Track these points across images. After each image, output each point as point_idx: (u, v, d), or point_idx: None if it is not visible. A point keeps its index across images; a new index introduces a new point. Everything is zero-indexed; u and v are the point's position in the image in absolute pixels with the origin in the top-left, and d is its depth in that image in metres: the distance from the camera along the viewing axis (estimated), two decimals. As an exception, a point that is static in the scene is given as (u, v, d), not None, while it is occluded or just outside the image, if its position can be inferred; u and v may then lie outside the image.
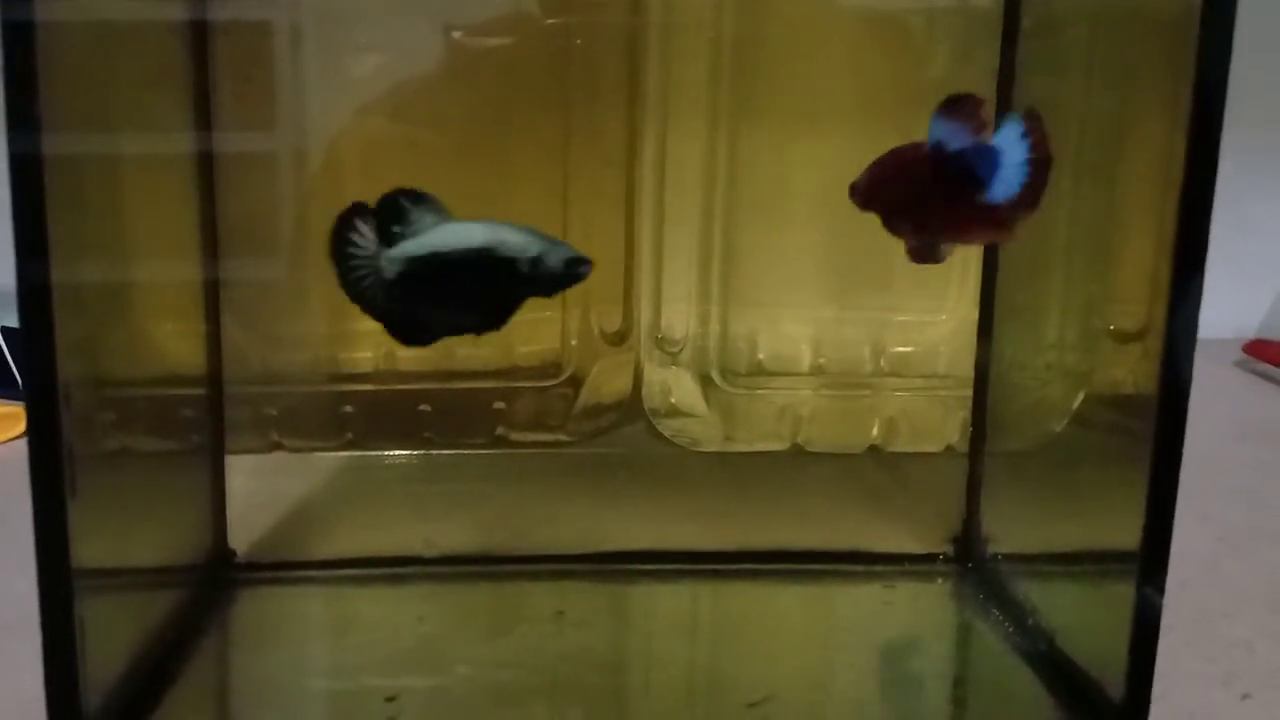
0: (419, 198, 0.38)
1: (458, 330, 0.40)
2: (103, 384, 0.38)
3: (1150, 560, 0.35)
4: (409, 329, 0.39)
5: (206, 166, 0.48)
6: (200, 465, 0.49)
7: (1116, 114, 0.43)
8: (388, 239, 0.38)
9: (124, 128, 0.41)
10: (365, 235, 0.38)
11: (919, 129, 0.60)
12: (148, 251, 0.44)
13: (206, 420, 0.49)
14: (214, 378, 0.49)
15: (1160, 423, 0.34)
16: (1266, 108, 0.94)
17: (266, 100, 0.54)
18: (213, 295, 0.49)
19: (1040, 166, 0.39)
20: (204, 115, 0.48)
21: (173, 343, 0.48)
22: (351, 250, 0.38)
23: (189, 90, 0.47)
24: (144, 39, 0.44)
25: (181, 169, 0.47)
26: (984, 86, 0.49)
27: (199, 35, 0.47)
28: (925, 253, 0.41)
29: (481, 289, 0.38)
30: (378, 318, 0.39)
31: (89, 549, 0.34)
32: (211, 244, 0.48)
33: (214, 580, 0.48)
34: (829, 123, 0.58)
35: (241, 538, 0.51)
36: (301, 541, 0.52)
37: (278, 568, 0.50)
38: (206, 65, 0.47)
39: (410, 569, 0.49)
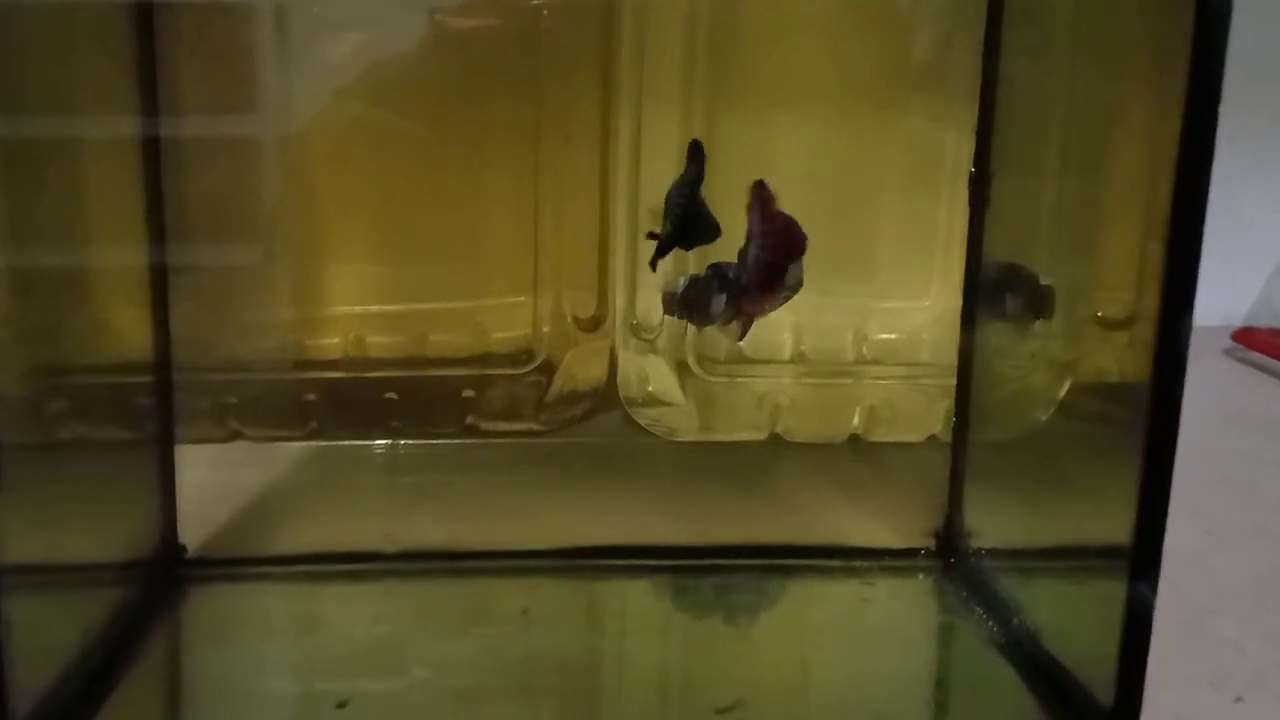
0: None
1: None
2: (39, 373, 0.37)
3: (1142, 557, 0.33)
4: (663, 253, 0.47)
5: (153, 147, 0.46)
6: (148, 456, 0.47)
7: (1103, 96, 0.42)
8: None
9: (61, 107, 0.39)
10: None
11: (900, 113, 0.60)
12: (91, 235, 0.42)
13: (154, 409, 0.47)
14: (162, 365, 0.47)
15: (1153, 414, 0.32)
16: (1257, 93, 0.93)
17: (230, 79, 0.53)
18: (160, 280, 0.47)
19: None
20: (150, 93, 0.46)
21: (119, 329, 0.46)
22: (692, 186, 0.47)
23: (134, 66, 0.45)
24: (85, 14, 0.42)
25: (126, 150, 0.45)
26: (970, 68, 0.48)
27: (144, 10, 0.45)
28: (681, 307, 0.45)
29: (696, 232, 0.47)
30: (669, 236, 0.46)
31: (19, 545, 0.32)
32: (158, 227, 0.47)
33: (162, 578, 0.46)
34: (808, 105, 0.57)
35: (194, 532, 0.49)
36: (258, 536, 0.51)
37: (230, 564, 0.48)
38: (153, 40, 0.45)
39: (370, 565, 0.48)
